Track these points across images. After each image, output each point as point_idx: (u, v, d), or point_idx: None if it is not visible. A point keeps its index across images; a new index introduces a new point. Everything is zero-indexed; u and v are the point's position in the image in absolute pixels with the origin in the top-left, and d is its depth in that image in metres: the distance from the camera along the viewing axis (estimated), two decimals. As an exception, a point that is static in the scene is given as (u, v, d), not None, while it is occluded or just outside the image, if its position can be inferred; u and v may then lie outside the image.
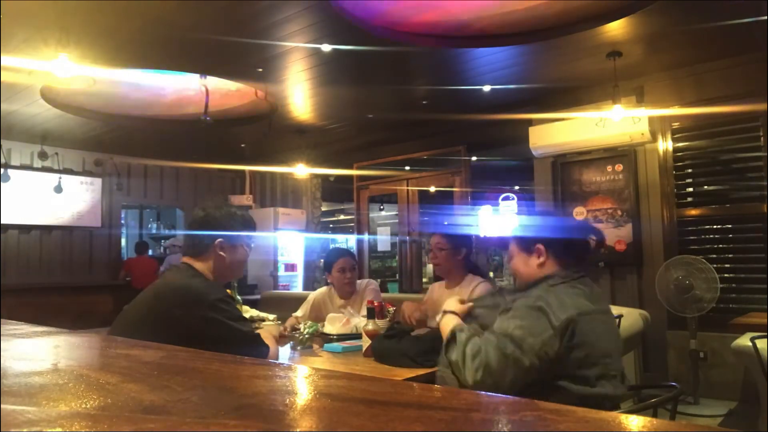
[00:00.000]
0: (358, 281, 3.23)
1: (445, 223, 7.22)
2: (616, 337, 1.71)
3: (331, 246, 9.33)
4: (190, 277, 1.89)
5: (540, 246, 1.73)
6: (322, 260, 8.54)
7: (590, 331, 1.56)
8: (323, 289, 3.28)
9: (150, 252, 8.92)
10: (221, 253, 1.94)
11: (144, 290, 1.96)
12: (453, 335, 1.67)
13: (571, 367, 1.54)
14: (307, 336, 2.42)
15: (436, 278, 3.10)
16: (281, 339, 2.47)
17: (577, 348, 1.53)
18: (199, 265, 1.94)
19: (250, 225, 2.05)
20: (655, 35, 4.02)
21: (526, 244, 1.77)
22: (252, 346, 1.87)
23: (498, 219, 8.40)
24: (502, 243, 9.03)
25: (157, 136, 6.80)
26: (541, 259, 1.73)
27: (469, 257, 2.90)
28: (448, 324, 1.78)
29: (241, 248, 2.00)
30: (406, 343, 2.07)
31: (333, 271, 3.11)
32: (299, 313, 3.20)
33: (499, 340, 1.55)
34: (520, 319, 1.58)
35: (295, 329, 2.62)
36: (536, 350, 1.51)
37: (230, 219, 1.98)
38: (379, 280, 8.05)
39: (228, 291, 2.57)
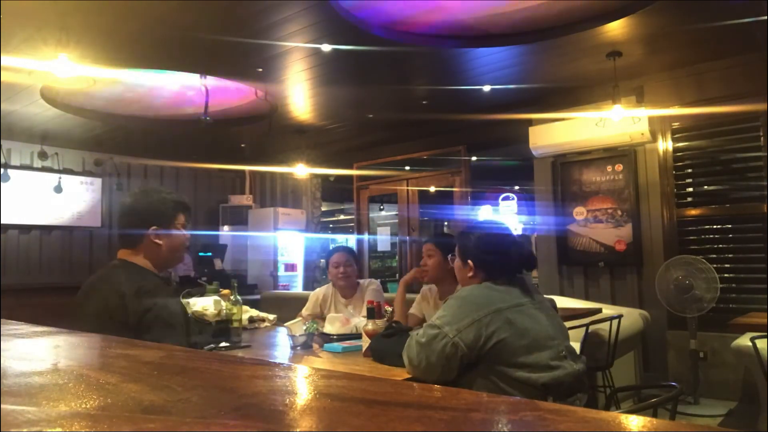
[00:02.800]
0: (361, 281, 3.23)
1: (445, 223, 7.24)
2: (558, 323, 1.86)
3: (331, 246, 9.34)
4: (131, 274, 1.80)
5: (470, 261, 1.92)
6: (322, 260, 8.56)
7: (521, 320, 1.70)
8: (327, 286, 3.30)
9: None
10: (157, 241, 1.85)
11: (83, 290, 1.86)
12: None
13: (512, 355, 1.66)
14: (306, 336, 2.42)
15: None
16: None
17: (509, 337, 1.66)
18: (136, 259, 1.85)
19: (184, 207, 1.95)
20: (655, 35, 4.03)
21: (462, 255, 1.97)
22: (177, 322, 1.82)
23: (499, 218, 8.39)
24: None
25: (157, 136, 6.80)
26: (471, 273, 1.92)
27: None
28: None
29: (176, 235, 1.90)
30: (403, 342, 2.07)
31: (329, 266, 3.16)
32: (305, 312, 3.21)
33: (422, 332, 1.73)
34: (443, 310, 1.76)
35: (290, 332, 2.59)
36: (450, 337, 1.66)
37: (161, 203, 1.89)
38: (379, 280, 8.05)
39: (226, 292, 2.56)
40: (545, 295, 2.03)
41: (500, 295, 1.75)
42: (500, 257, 1.89)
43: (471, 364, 1.69)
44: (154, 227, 1.85)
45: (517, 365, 1.66)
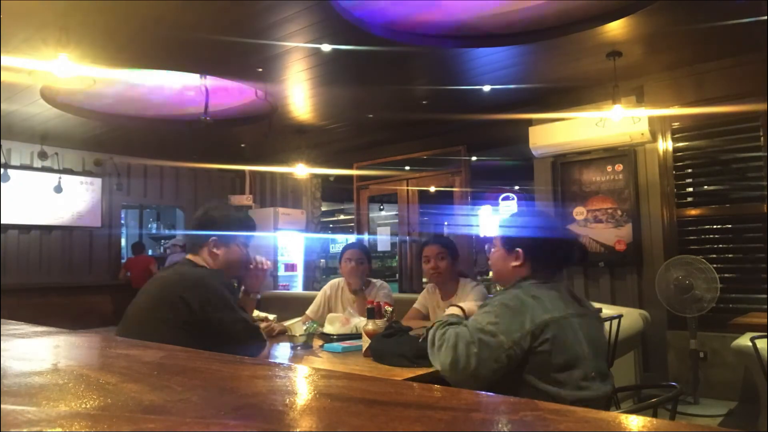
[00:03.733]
0: (373, 280, 3.23)
1: (445, 223, 7.24)
2: (595, 338, 1.73)
3: (331, 246, 9.34)
4: (192, 267, 1.97)
5: (519, 249, 1.78)
6: (322, 260, 8.56)
7: (564, 335, 1.61)
8: (337, 280, 3.30)
9: (150, 252, 8.93)
10: (215, 250, 2.01)
11: (147, 283, 2.01)
12: (441, 321, 1.78)
13: (548, 369, 1.58)
14: (306, 336, 2.42)
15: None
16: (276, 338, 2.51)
17: (552, 351, 1.58)
18: (199, 261, 2.01)
19: (248, 225, 2.10)
20: (655, 35, 4.02)
21: (509, 243, 1.82)
22: (250, 335, 1.92)
23: (498, 219, 8.39)
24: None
25: (157, 136, 6.80)
26: (518, 262, 1.79)
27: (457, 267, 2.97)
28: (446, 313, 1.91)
29: (234, 247, 2.06)
30: (403, 343, 2.07)
31: (341, 260, 3.17)
32: (309, 312, 3.20)
33: (472, 334, 1.60)
34: (495, 315, 1.63)
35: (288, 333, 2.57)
36: (505, 348, 1.56)
37: (225, 219, 2.05)
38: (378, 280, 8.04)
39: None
40: (591, 303, 1.91)
41: (547, 304, 1.65)
42: (553, 249, 1.78)
43: (516, 373, 1.63)
44: (213, 238, 2.01)
45: (550, 380, 1.59)
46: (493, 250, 1.89)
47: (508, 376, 1.60)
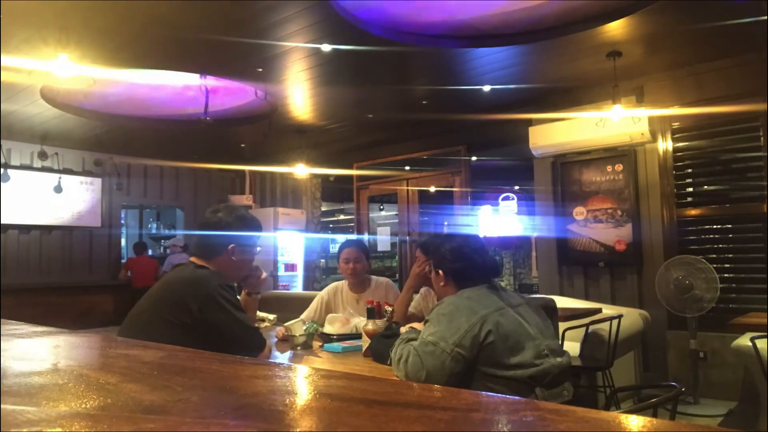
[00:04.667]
0: (375, 278, 3.21)
1: (445, 223, 7.23)
2: (538, 322, 1.89)
3: (331, 246, 9.34)
4: (197, 269, 1.97)
5: (440, 271, 2.02)
6: (322, 260, 8.56)
7: (505, 323, 1.76)
8: (335, 284, 3.28)
9: (150, 252, 8.93)
10: (233, 257, 2.01)
11: (153, 286, 2.01)
12: (401, 338, 1.95)
13: (500, 356, 1.72)
14: (306, 336, 2.42)
15: None
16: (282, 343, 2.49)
17: (496, 341, 1.72)
18: (207, 265, 2.00)
19: (258, 227, 2.12)
20: (655, 35, 4.02)
21: (434, 264, 2.06)
22: (251, 336, 1.92)
23: (498, 219, 8.40)
24: (503, 243, 9.04)
25: (157, 136, 6.80)
26: (443, 282, 2.02)
27: None
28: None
29: (250, 250, 2.08)
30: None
31: (339, 260, 3.15)
32: (305, 316, 3.16)
33: (417, 348, 1.76)
34: (433, 325, 1.79)
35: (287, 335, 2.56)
36: (448, 353, 1.71)
37: (241, 223, 2.05)
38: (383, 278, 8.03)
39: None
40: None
41: (481, 301, 1.82)
42: (467, 265, 1.98)
43: (468, 368, 1.75)
44: (232, 245, 2.00)
45: (504, 366, 1.72)
46: (431, 271, 2.10)
47: (469, 374, 1.74)
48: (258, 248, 2.12)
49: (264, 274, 2.28)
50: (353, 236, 7.80)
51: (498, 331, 1.73)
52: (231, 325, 1.84)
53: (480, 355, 1.72)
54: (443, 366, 1.70)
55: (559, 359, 1.81)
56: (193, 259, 2.03)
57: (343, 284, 3.23)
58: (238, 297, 2.24)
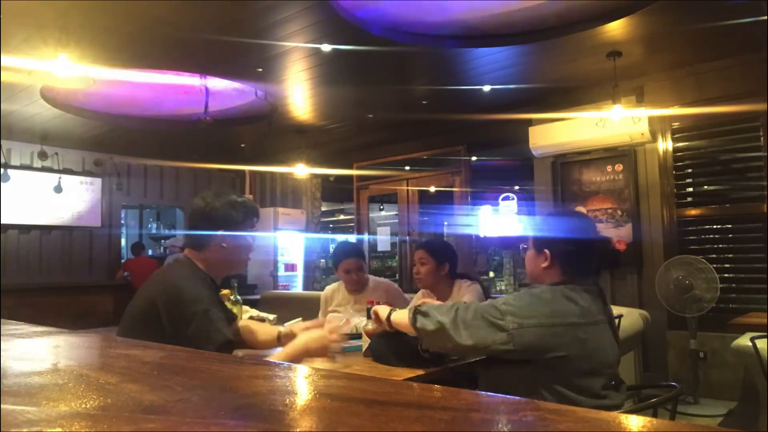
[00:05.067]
0: (374, 278, 3.21)
1: (445, 223, 7.24)
2: (612, 347, 1.69)
3: (331, 246, 9.32)
4: (185, 278, 1.82)
5: (547, 251, 1.73)
6: (322, 260, 8.55)
7: (594, 340, 1.57)
8: (334, 285, 3.28)
9: (150, 252, 8.93)
10: (224, 245, 1.87)
11: (144, 284, 1.93)
12: (418, 310, 1.72)
13: (570, 374, 1.55)
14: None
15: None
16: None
17: (576, 356, 1.54)
18: (200, 258, 1.88)
19: (253, 213, 1.96)
20: (655, 35, 4.02)
21: (538, 244, 1.78)
22: (206, 330, 1.74)
23: (498, 219, 8.40)
24: (503, 243, 9.03)
25: (157, 136, 6.80)
26: (546, 263, 1.73)
27: (454, 270, 2.84)
28: (401, 313, 1.84)
29: (244, 240, 1.92)
30: (402, 343, 2.07)
31: (339, 270, 3.10)
32: (321, 316, 3.18)
33: (485, 306, 1.60)
34: (514, 298, 1.62)
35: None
36: (509, 329, 1.53)
37: (232, 209, 1.88)
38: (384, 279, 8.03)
39: (226, 292, 2.57)
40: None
41: (578, 308, 1.59)
42: (583, 252, 1.71)
43: (521, 363, 1.59)
44: (222, 233, 1.86)
45: (571, 386, 1.55)
46: (526, 249, 1.84)
47: (528, 371, 1.57)
48: (253, 234, 1.95)
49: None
50: (350, 238, 7.81)
51: (579, 348, 1.54)
52: (198, 331, 1.70)
53: (548, 362, 1.54)
54: (495, 334, 1.53)
55: (619, 398, 1.63)
56: (187, 252, 1.91)
57: (340, 285, 3.24)
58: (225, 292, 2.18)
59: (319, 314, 3.23)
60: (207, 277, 1.89)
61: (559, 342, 1.53)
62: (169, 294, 1.76)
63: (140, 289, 1.89)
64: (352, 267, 3.06)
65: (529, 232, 1.85)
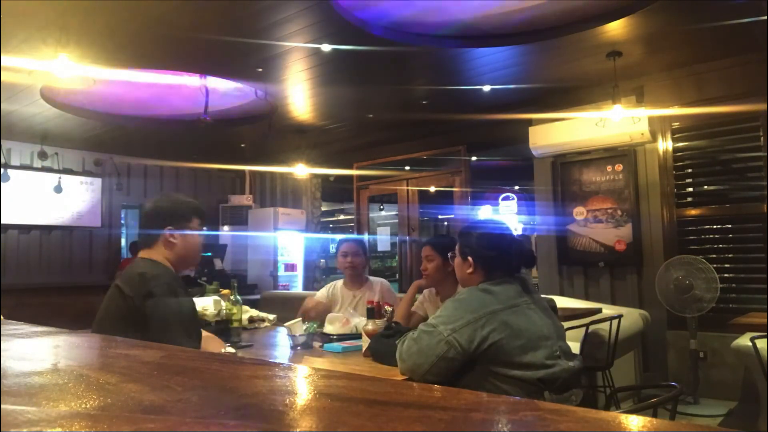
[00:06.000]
0: (373, 279, 3.23)
1: (445, 224, 7.23)
2: (553, 323, 1.86)
3: (331, 246, 9.34)
4: (143, 265, 1.96)
5: (470, 258, 1.93)
6: (322, 260, 8.55)
7: (518, 320, 1.73)
8: (332, 283, 3.31)
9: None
10: (171, 240, 2.00)
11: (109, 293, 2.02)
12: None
13: (510, 355, 1.68)
14: (306, 336, 2.42)
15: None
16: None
17: (505, 337, 1.68)
18: (155, 256, 2.00)
19: (198, 212, 2.10)
20: (655, 35, 4.02)
21: (462, 252, 1.97)
22: (185, 334, 1.87)
23: (500, 217, 8.39)
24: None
25: (157, 136, 6.80)
26: (471, 269, 1.93)
27: None
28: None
29: (191, 235, 2.06)
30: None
31: (338, 254, 3.19)
32: (319, 295, 3.22)
33: (419, 329, 1.77)
34: (442, 310, 1.79)
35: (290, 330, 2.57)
36: (444, 336, 1.68)
37: (177, 207, 2.06)
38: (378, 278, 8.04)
39: (226, 291, 2.58)
40: (545, 296, 2.05)
41: (496, 297, 1.77)
42: (500, 255, 1.91)
43: (467, 366, 1.71)
44: (169, 227, 1.99)
45: (513, 365, 1.68)
46: (455, 258, 2.03)
47: (470, 373, 1.70)
48: (198, 228, 2.08)
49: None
50: (353, 236, 7.81)
51: (507, 329, 1.69)
52: (170, 321, 1.83)
53: (486, 352, 1.68)
54: (435, 346, 1.68)
55: (570, 363, 1.77)
56: (142, 253, 2.03)
57: (339, 283, 3.26)
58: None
59: (318, 294, 3.24)
60: (166, 266, 1.99)
61: (490, 330, 1.68)
62: (133, 278, 1.90)
63: (110, 291, 1.99)
64: (349, 250, 3.12)
65: (455, 243, 2.05)
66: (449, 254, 2.16)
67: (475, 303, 1.75)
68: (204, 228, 2.11)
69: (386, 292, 3.14)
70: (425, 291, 3.03)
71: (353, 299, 3.13)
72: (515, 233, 2.12)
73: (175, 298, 1.88)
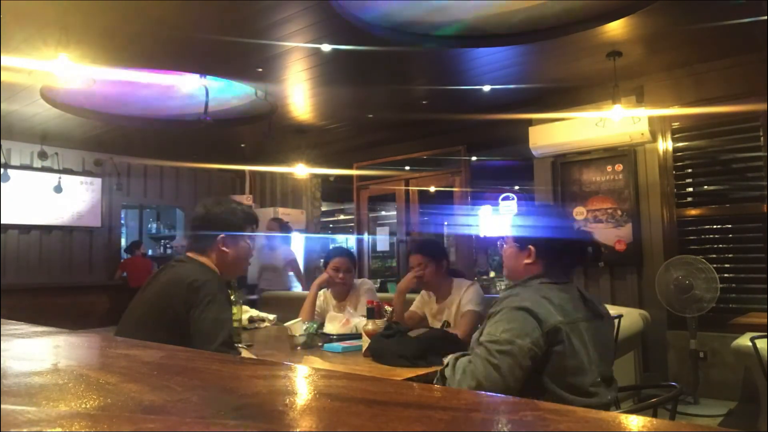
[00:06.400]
0: (355, 281, 3.24)
1: (445, 223, 7.24)
2: (603, 343, 1.70)
3: (331, 246, 9.34)
4: (193, 269, 1.91)
5: (531, 247, 1.73)
6: (322, 260, 8.55)
7: (574, 339, 1.57)
8: (321, 293, 3.29)
9: (150, 251, 8.92)
10: (224, 248, 1.97)
11: (147, 283, 1.98)
12: (450, 358, 1.68)
13: (563, 373, 1.55)
14: (306, 336, 2.42)
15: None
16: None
17: (565, 353, 1.54)
18: (203, 260, 1.97)
19: (252, 219, 2.09)
20: (655, 35, 4.02)
21: (520, 240, 1.77)
22: (228, 345, 1.84)
23: (498, 219, 8.39)
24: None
25: (157, 136, 6.80)
26: (530, 260, 1.74)
27: (448, 265, 2.97)
28: None
29: (243, 243, 2.03)
30: (402, 343, 2.07)
31: (328, 267, 3.15)
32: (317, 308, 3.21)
33: (487, 350, 1.53)
34: (507, 322, 1.56)
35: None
36: (526, 351, 1.51)
37: (231, 214, 2.02)
38: (379, 280, 8.04)
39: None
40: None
41: (558, 308, 1.60)
42: (566, 248, 1.74)
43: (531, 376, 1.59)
44: (222, 235, 1.97)
45: (565, 385, 1.56)
46: (505, 246, 1.83)
47: (528, 382, 1.55)
48: (252, 239, 2.07)
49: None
50: (354, 238, 7.81)
51: (567, 345, 1.55)
52: (209, 336, 1.77)
53: (549, 360, 1.54)
54: (521, 365, 1.50)
55: (610, 393, 1.63)
56: (189, 253, 2.01)
57: (326, 296, 3.25)
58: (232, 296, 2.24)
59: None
60: (215, 272, 1.97)
61: (553, 341, 1.55)
62: (182, 283, 1.84)
63: (147, 287, 1.94)
64: (341, 266, 3.10)
65: (511, 230, 1.84)
66: (498, 242, 1.95)
67: (543, 313, 1.57)
68: (255, 237, 2.10)
69: (366, 293, 3.14)
70: (422, 292, 3.04)
71: (340, 308, 3.12)
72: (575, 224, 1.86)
73: (222, 309, 1.84)
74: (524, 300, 1.60)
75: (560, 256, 1.73)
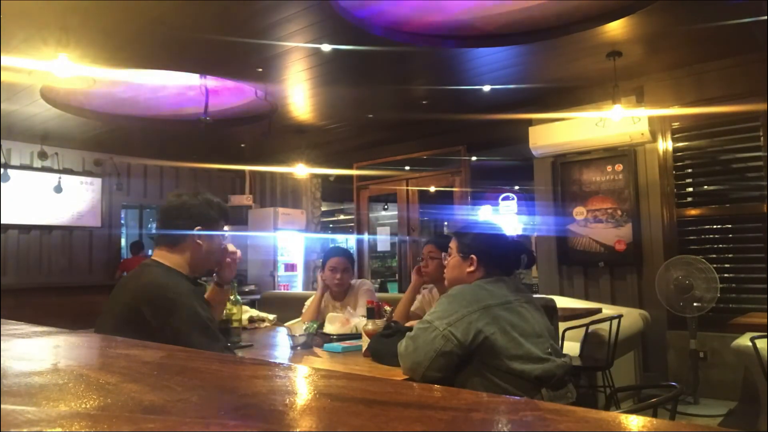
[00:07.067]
0: (352, 281, 3.22)
1: (445, 223, 7.24)
2: (544, 322, 1.87)
3: (331, 245, 9.34)
4: (159, 275, 1.80)
5: (474, 256, 1.92)
6: (321, 260, 8.55)
7: (511, 317, 1.74)
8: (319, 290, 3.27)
9: (150, 252, 8.92)
10: (199, 241, 1.87)
11: (116, 287, 1.86)
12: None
13: (509, 348, 1.69)
14: (306, 336, 2.42)
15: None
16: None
17: (499, 332, 1.69)
18: (174, 258, 1.85)
19: (226, 214, 2.00)
20: (655, 35, 4.02)
21: (462, 249, 1.96)
22: (208, 344, 1.72)
23: (498, 219, 8.40)
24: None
25: (157, 136, 6.80)
26: (472, 268, 1.92)
27: None
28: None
29: (218, 237, 1.94)
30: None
31: (325, 268, 3.11)
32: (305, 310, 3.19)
33: (415, 327, 1.78)
34: (434, 307, 1.80)
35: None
36: (440, 331, 1.69)
37: (209, 207, 1.91)
38: (379, 280, 8.05)
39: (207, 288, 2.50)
40: (544, 296, 2.09)
41: (489, 292, 1.79)
42: (502, 254, 1.94)
43: (464, 362, 1.72)
44: (198, 228, 1.87)
45: (510, 357, 1.69)
46: (449, 258, 2.01)
47: (467, 369, 1.71)
48: (226, 234, 1.99)
49: (239, 253, 2.13)
50: (354, 238, 7.81)
51: (500, 323, 1.71)
52: (187, 331, 1.68)
53: (481, 346, 1.69)
54: (432, 342, 1.68)
55: (562, 360, 1.80)
56: (157, 253, 1.87)
57: (324, 297, 3.22)
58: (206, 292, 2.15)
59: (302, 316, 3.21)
60: (181, 274, 1.86)
61: (484, 323, 1.70)
62: (151, 292, 1.74)
63: (114, 296, 1.83)
64: (338, 266, 3.06)
65: (455, 242, 2.02)
66: (443, 254, 2.15)
67: (469, 297, 1.76)
68: (228, 232, 2.01)
69: (365, 293, 3.11)
70: (424, 290, 3.03)
71: (340, 311, 3.11)
72: (513, 234, 2.14)
73: (191, 313, 1.72)
74: (457, 289, 1.83)
75: (499, 263, 1.93)
